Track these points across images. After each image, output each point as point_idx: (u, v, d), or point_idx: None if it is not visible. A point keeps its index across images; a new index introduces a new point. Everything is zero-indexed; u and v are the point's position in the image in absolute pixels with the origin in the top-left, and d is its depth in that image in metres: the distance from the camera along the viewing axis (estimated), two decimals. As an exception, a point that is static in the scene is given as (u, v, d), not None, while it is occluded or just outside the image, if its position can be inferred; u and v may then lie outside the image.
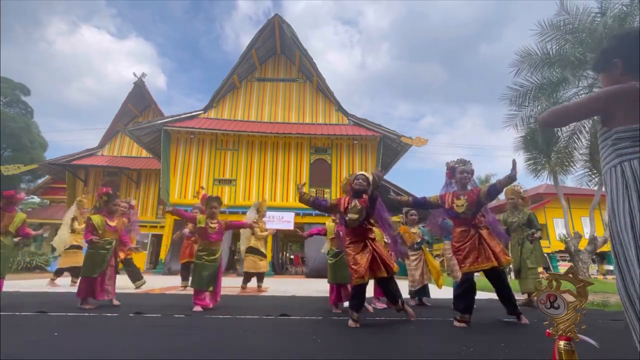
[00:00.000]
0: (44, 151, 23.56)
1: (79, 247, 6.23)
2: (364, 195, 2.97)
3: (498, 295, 3.02)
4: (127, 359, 1.75)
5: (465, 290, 2.91)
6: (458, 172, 3.10)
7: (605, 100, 1.20)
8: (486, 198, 2.90)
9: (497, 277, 2.97)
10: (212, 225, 3.68)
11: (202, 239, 3.73)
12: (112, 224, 3.88)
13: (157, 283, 7.39)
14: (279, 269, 12.31)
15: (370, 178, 2.98)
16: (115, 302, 3.76)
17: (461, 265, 2.98)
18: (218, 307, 3.64)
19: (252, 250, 6.03)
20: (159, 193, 13.79)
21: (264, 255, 6.09)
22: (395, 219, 4.90)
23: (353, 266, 2.89)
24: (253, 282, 6.20)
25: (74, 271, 6.29)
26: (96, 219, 3.78)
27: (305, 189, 3.20)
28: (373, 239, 3.03)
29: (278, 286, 6.61)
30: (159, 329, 2.53)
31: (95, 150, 17.91)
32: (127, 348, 1.95)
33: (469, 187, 3.08)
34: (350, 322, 2.75)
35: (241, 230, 6.14)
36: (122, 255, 5.38)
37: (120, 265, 5.15)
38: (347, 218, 2.95)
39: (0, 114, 20.34)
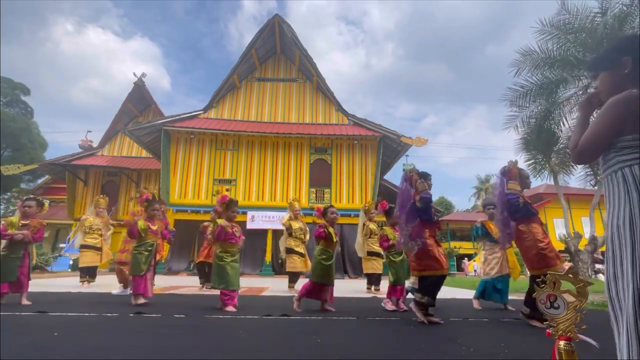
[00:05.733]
0: (43, 151, 23.56)
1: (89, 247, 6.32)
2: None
3: None
4: (127, 359, 1.75)
5: None
6: (525, 177, 3.27)
7: (624, 103, 1.16)
8: None
9: None
10: (235, 229, 3.83)
11: (225, 241, 3.77)
12: (154, 227, 4.10)
13: (157, 283, 7.37)
14: (278, 269, 12.31)
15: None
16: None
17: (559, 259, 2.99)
18: (218, 306, 3.65)
19: (290, 251, 6.20)
20: (159, 193, 13.80)
21: (300, 255, 6.19)
22: None
23: (438, 258, 3.08)
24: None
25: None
26: (141, 224, 4.00)
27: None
28: None
29: (278, 286, 6.61)
30: (159, 329, 2.53)
31: (95, 150, 17.92)
32: (127, 348, 1.95)
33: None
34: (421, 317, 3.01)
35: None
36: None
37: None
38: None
39: (0, 114, 20.34)
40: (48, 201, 4.38)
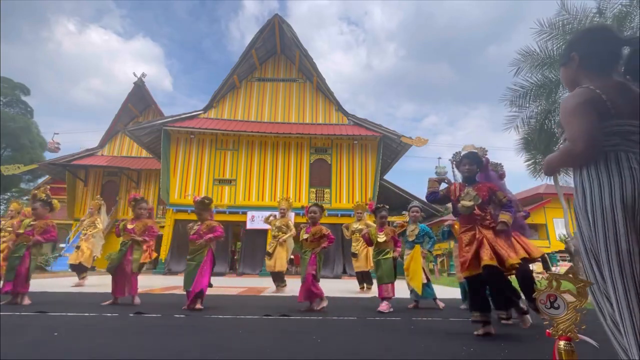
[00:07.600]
0: (43, 151, 23.53)
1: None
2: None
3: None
4: (127, 359, 1.75)
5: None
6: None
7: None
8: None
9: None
10: (197, 227, 3.79)
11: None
12: (130, 226, 4.04)
13: (157, 283, 7.38)
14: (279, 269, 12.34)
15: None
16: (136, 300, 3.90)
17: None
18: (218, 307, 3.65)
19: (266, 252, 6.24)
20: (159, 193, 13.81)
21: (268, 255, 6.12)
22: (400, 218, 4.89)
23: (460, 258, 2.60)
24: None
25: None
26: (122, 223, 4.07)
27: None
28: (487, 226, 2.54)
29: (278, 286, 6.59)
30: (159, 329, 2.53)
31: (95, 150, 17.92)
32: (127, 348, 1.95)
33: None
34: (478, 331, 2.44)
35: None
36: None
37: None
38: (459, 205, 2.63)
39: (0, 114, 20.33)
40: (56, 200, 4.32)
